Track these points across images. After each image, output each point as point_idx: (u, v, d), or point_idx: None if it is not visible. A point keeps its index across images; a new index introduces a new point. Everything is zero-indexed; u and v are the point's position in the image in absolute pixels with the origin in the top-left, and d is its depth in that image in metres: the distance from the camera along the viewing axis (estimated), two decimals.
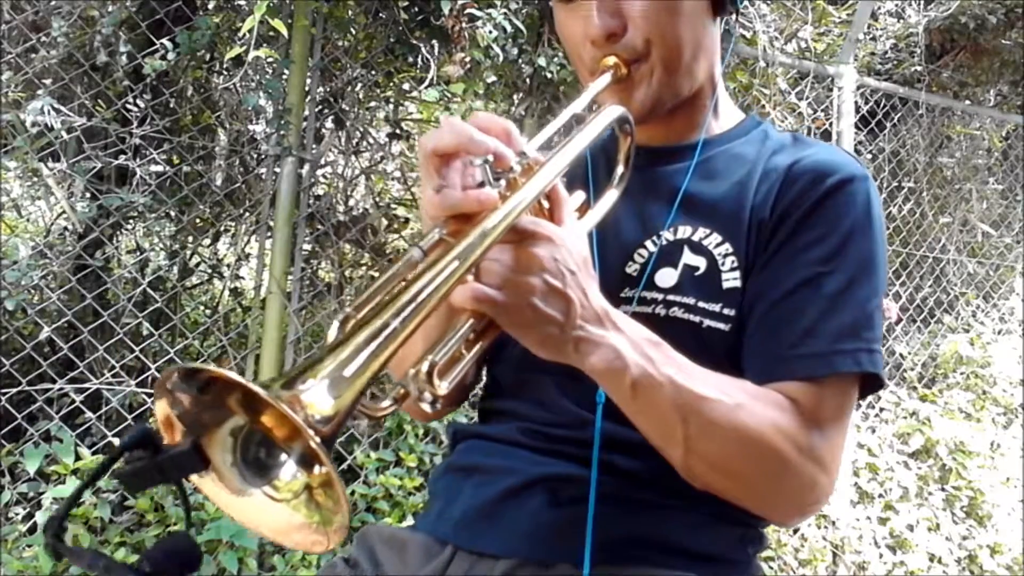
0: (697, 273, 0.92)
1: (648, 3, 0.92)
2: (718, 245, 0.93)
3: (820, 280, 0.88)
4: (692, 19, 0.94)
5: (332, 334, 0.67)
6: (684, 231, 0.95)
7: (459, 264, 0.67)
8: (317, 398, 0.57)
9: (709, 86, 1.02)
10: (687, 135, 1.03)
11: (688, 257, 0.93)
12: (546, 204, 0.81)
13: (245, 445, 0.61)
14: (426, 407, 0.68)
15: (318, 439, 0.54)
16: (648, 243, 0.96)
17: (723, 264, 0.92)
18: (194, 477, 0.60)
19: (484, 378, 1.09)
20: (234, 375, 0.55)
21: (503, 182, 0.76)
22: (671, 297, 0.92)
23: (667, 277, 0.93)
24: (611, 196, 0.94)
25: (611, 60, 0.93)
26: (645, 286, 0.93)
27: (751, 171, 0.96)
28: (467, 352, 0.75)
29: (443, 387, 0.69)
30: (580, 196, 0.90)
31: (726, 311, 0.91)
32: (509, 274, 0.72)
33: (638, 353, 0.78)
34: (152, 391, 2.46)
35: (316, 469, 0.60)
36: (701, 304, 0.91)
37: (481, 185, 0.75)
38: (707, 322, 0.91)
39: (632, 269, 0.96)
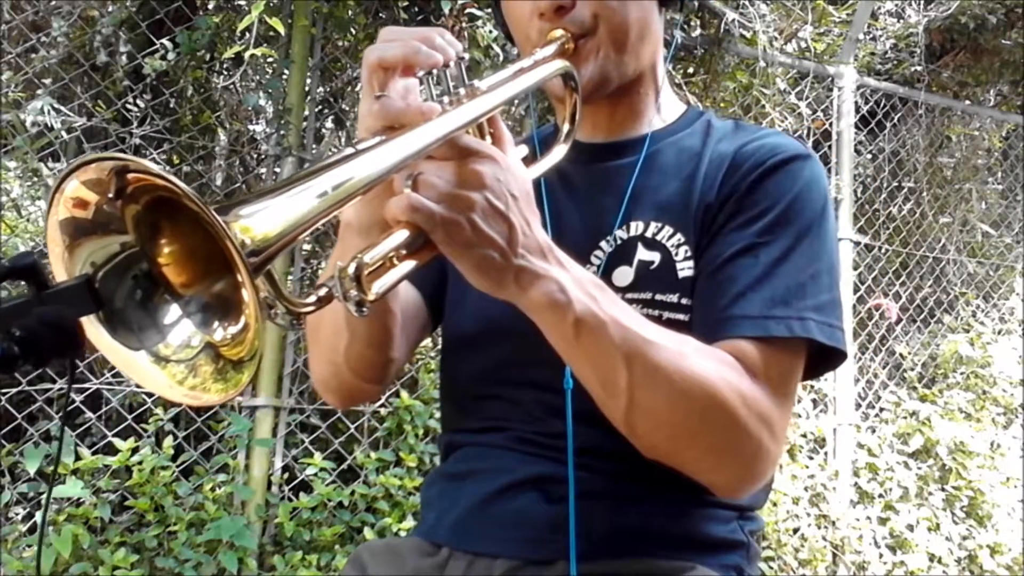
0: (652, 267, 0.92)
1: None
2: (671, 237, 0.93)
3: (756, 250, 0.88)
4: (640, 1, 0.96)
5: None
6: (636, 227, 0.95)
7: (401, 150, 0.64)
8: (254, 223, 0.53)
9: (652, 76, 1.03)
10: (632, 129, 1.03)
11: (642, 253, 0.93)
12: (489, 139, 0.78)
13: (146, 291, 0.55)
14: (352, 308, 0.63)
15: (245, 255, 0.49)
16: (603, 244, 0.95)
17: (677, 255, 0.92)
18: (84, 322, 0.53)
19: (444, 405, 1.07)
20: (170, 176, 0.50)
21: (447, 99, 0.73)
22: (629, 295, 0.91)
23: (623, 276, 0.93)
24: (559, 151, 0.94)
25: (558, 32, 0.92)
26: None
27: (698, 163, 0.97)
28: (398, 263, 0.70)
29: (372, 291, 0.65)
30: (523, 149, 0.88)
31: (684, 301, 0.90)
32: (449, 188, 0.68)
33: (582, 291, 0.76)
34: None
35: (216, 325, 0.55)
36: (659, 297, 0.91)
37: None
38: (666, 314, 0.90)
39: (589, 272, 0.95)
